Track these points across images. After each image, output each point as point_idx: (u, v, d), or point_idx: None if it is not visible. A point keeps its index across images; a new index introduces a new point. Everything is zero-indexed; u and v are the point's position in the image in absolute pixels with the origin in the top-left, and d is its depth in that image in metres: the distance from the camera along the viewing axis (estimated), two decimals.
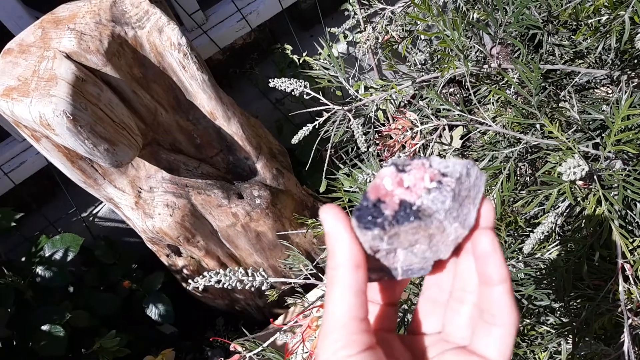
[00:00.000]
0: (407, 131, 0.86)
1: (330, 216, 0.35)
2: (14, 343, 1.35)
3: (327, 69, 1.01)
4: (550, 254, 0.84)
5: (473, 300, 0.37)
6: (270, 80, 0.99)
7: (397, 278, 0.37)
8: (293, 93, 0.97)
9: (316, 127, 0.99)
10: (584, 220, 0.79)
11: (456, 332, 0.37)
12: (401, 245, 0.35)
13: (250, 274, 0.63)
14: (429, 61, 1.61)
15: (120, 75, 1.13)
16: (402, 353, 0.38)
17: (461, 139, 1.86)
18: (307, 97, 0.97)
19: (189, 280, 0.65)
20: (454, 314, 0.38)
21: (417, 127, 0.87)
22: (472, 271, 0.37)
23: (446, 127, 0.97)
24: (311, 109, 1.01)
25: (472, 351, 0.35)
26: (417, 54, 1.61)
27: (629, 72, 1.00)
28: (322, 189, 1.23)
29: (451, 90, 2.02)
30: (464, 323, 0.37)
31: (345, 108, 0.95)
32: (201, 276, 0.64)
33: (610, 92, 1.13)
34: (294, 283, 0.66)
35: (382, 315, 0.40)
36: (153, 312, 1.56)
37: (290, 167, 1.63)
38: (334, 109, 0.97)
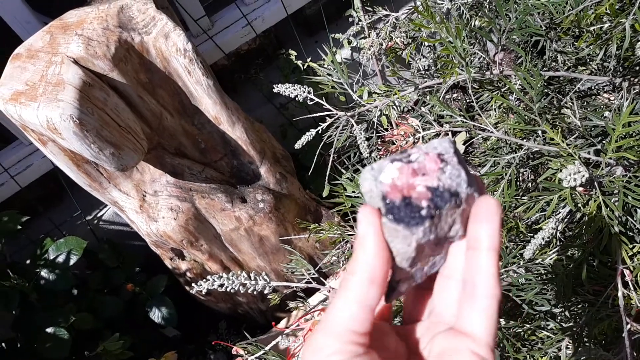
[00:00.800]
0: (410, 137, 0.87)
1: (367, 220, 0.34)
2: (19, 345, 1.36)
3: (330, 74, 1.02)
4: (550, 259, 0.85)
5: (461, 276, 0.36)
6: (274, 86, 1.00)
7: (423, 279, 0.37)
8: (297, 99, 0.98)
9: (319, 132, 1.00)
10: (584, 226, 0.80)
11: (445, 310, 0.37)
12: (442, 232, 0.34)
13: (253, 278, 0.64)
14: (433, 67, 1.62)
15: (127, 80, 1.15)
16: (396, 347, 0.37)
17: (464, 144, 1.87)
18: (311, 103, 0.98)
19: (193, 284, 0.66)
20: (442, 291, 0.37)
21: (420, 133, 0.88)
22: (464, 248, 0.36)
23: (449, 132, 0.97)
24: (315, 115, 1.02)
25: (459, 330, 0.34)
26: (420, 59, 1.62)
27: (630, 79, 1.01)
28: (325, 194, 1.24)
29: (454, 95, 2.03)
30: (453, 300, 0.36)
31: (349, 114, 0.96)
32: (204, 280, 0.65)
33: (612, 98, 1.14)
34: (296, 287, 0.66)
35: (382, 308, 0.40)
36: (156, 315, 1.57)
37: (294, 172, 1.64)
38: (337, 114, 0.98)
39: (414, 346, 0.37)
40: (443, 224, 0.34)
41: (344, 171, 1.16)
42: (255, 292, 0.64)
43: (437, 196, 0.33)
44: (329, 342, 0.33)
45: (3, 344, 1.35)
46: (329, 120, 1.00)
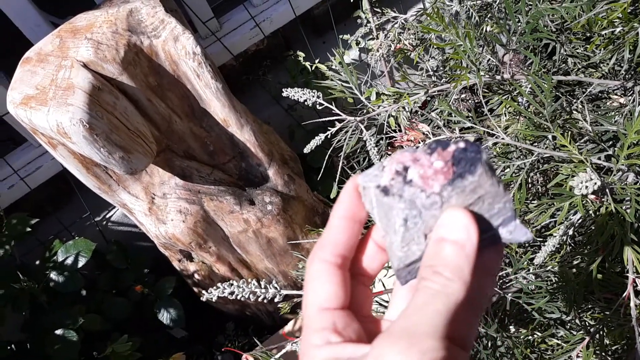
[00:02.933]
0: (420, 143, 0.86)
1: (467, 221, 0.31)
2: (28, 347, 1.36)
3: (338, 73, 1.02)
4: (561, 266, 0.84)
5: None
6: (283, 89, 1.00)
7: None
8: (306, 103, 0.98)
9: (328, 136, 1.00)
10: (595, 233, 0.79)
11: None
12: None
13: (263, 286, 0.64)
14: (441, 68, 1.61)
15: (136, 83, 1.15)
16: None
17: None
18: (320, 107, 0.97)
19: (203, 292, 0.66)
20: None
21: (429, 139, 0.88)
22: None
23: (459, 137, 0.97)
24: (324, 119, 1.02)
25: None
26: (429, 60, 1.61)
27: None
28: (332, 195, 1.24)
29: (463, 96, 2.02)
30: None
31: (358, 119, 0.96)
32: (215, 287, 0.65)
33: (622, 101, 1.13)
34: None
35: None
36: (164, 316, 1.58)
37: (302, 173, 1.64)
38: (346, 119, 0.98)
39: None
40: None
41: (351, 173, 1.16)
42: (265, 301, 0.64)
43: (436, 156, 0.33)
44: (426, 332, 0.30)
45: (13, 346, 1.36)
46: (338, 125, 1.00)
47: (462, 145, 0.32)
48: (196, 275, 1.57)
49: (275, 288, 0.63)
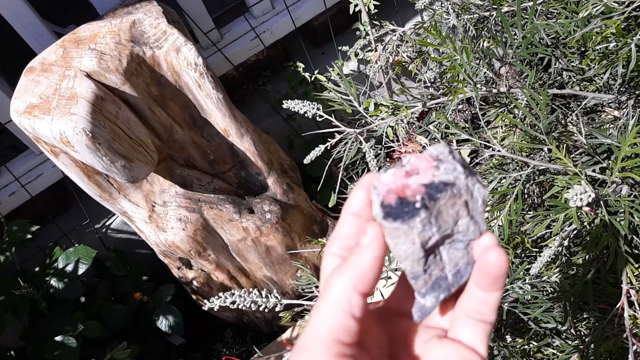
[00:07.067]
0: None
1: (372, 232, 0.33)
2: (28, 353, 1.37)
3: (338, 85, 1.04)
4: (556, 277, 0.86)
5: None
6: (283, 101, 1.02)
7: (452, 290, 0.35)
8: (306, 115, 1.00)
9: (328, 147, 1.01)
10: (590, 244, 0.81)
11: (442, 320, 0.38)
12: (447, 225, 0.33)
13: (264, 296, 0.65)
14: (439, 79, 1.63)
15: (138, 93, 1.17)
16: (376, 338, 0.36)
17: (469, 155, 1.88)
18: (320, 119, 0.99)
19: (205, 300, 0.68)
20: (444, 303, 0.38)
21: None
22: None
23: (455, 144, 0.98)
24: (323, 131, 1.03)
25: (457, 340, 0.35)
26: (426, 72, 1.63)
27: (636, 97, 1.02)
28: (331, 204, 1.25)
29: (460, 107, 2.04)
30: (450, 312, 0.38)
31: (357, 130, 0.97)
32: (217, 297, 0.66)
33: (616, 114, 1.15)
34: (307, 305, 0.68)
35: None
36: (163, 323, 1.58)
37: (300, 182, 1.65)
38: (345, 130, 1.00)
39: (398, 340, 0.37)
40: (445, 216, 0.33)
41: (350, 183, 1.17)
42: (266, 310, 0.65)
43: (431, 189, 0.33)
44: (314, 355, 0.31)
45: (12, 352, 1.36)
46: (337, 137, 1.01)
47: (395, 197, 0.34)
48: (195, 283, 1.57)
49: (276, 297, 0.64)
